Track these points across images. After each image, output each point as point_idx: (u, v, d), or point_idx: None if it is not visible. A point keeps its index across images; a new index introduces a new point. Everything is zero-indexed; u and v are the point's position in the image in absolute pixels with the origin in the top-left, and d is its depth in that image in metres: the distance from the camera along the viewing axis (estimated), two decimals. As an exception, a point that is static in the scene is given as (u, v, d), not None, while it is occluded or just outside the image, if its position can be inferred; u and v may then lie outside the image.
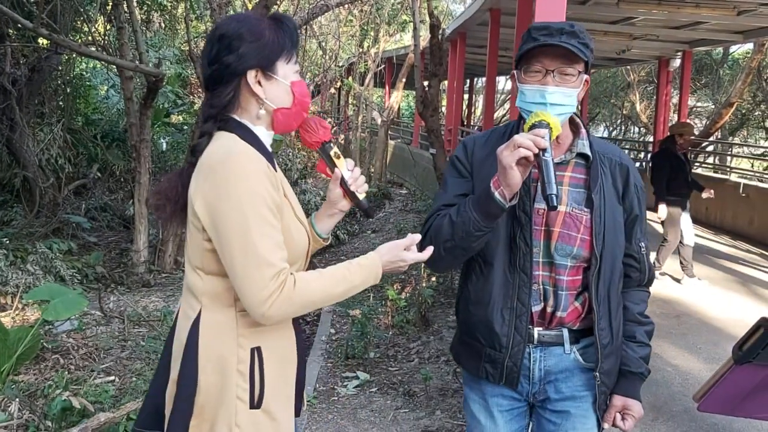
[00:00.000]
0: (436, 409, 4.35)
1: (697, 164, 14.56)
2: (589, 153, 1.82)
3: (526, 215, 1.77)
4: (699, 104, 23.78)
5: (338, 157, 1.69)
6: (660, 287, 7.10)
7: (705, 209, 11.63)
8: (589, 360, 1.85)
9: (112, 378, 4.36)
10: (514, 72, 1.82)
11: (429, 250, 1.69)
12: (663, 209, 6.74)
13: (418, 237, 1.68)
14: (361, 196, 1.71)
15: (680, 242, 6.97)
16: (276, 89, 1.57)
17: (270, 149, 1.62)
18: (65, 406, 3.54)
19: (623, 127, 28.09)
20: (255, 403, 1.53)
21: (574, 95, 1.73)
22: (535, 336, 1.82)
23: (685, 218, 6.92)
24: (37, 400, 3.81)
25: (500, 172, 1.62)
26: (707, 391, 1.10)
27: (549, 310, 1.81)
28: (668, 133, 7.58)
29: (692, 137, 7.62)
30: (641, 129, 24.29)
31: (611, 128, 29.11)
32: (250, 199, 1.44)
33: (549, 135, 1.63)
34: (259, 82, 1.56)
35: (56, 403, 3.54)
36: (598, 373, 1.81)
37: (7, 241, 7.37)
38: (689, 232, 6.97)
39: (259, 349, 1.55)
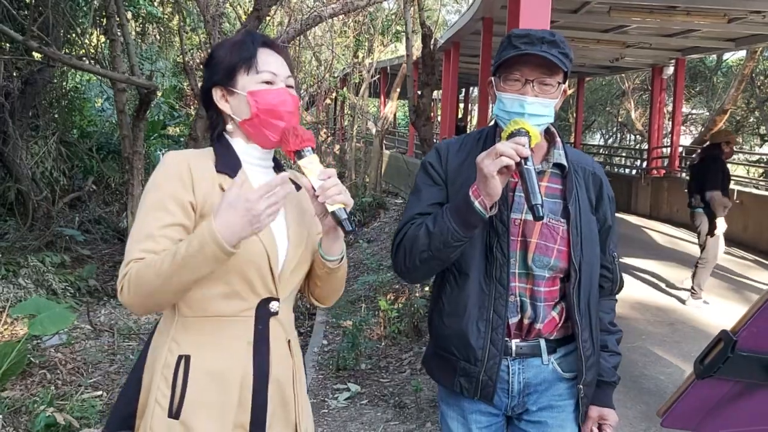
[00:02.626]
0: (426, 421, 4.31)
1: (692, 171, 14.56)
2: (565, 163, 1.80)
3: (504, 225, 1.73)
4: (694, 111, 23.87)
5: (305, 167, 1.55)
6: (654, 295, 7.08)
7: (692, 214, 11.64)
8: (566, 369, 1.83)
9: (100, 393, 4.33)
10: (492, 79, 1.78)
11: (281, 177, 1.42)
12: (722, 223, 6.28)
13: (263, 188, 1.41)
14: (334, 208, 1.50)
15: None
16: (239, 103, 1.59)
17: (245, 159, 1.62)
18: (49, 422, 3.50)
19: (619, 135, 28.16)
20: (173, 412, 1.50)
21: (552, 106, 1.72)
22: (513, 348, 1.79)
23: None
24: (21, 416, 3.78)
25: (480, 181, 1.59)
26: (670, 407, 1.08)
27: (526, 321, 1.78)
28: (709, 141, 7.14)
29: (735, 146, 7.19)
30: (637, 136, 24.34)
31: (607, 136, 29.18)
32: (148, 195, 1.52)
33: (529, 143, 1.60)
34: (225, 99, 1.61)
35: (40, 419, 3.51)
36: (581, 386, 1.79)
37: (0, 255, 7.35)
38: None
39: (187, 357, 1.52)
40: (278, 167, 1.72)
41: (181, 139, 13.43)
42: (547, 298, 1.78)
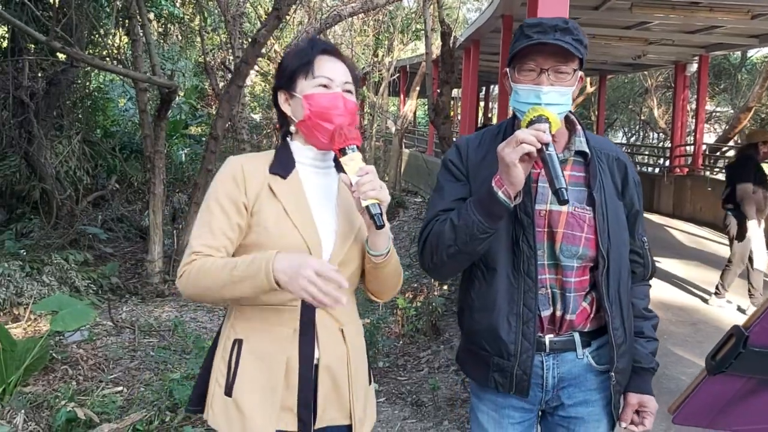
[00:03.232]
0: (443, 419, 4.30)
1: (716, 169, 14.38)
2: (587, 150, 1.78)
3: (528, 217, 1.72)
4: (718, 109, 23.54)
5: (346, 164, 1.62)
6: (676, 295, 7.00)
7: (724, 216, 11.46)
8: (601, 362, 1.81)
9: (120, 388, 4.37)
10: (507, 70, 1.76)
11: (338, 292, 1.44)
12: (754, 226, 5.99)
13: (333, 267, 1.48)
14: (367, 203, 1.57)
15: (750, 265, 6.26)
16: (296, 105, 1.72)
17: (299, 160, 1.74)
18: (70, 417, 3.55)
19: (642, 133, 27.86)
20: (227, 391, 1.67)
21: (569, 94, 1.69)
22: (547, 344, 1.77)
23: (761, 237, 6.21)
24: (43, 411, 3.83)
25: (502, 170, 1.57)
26: (681, 403, 1.06)
27: (558, 313, 1.76)
28: (746, 141, 6.88)
29: None
30: (660, 134, 24.06)
31: (629, 134, 28.88)
32: (208, 194, 1.70)
33: (549, 129, 1.59)
34: (288, 102, 1.75)
35: (61, 414, 3.55)
36: (613, 373, 1.77)
37: (24, 253, 7.47)
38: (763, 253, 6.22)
39: (240, 341, 1.68)
40: (340, 168, 1.77)
41: (203, 138, 13.55)
42: (577, 288, 1.76)
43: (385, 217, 1.61)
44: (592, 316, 1.79)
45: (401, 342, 6.00)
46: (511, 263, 1.74)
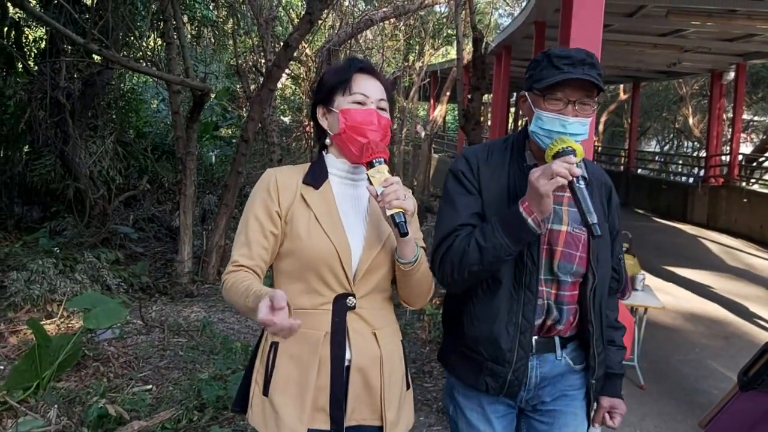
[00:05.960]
0: (469, 426, 4.28)
1: (753, 180, 14.11)
2: (587, 175, 1.85)
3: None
4: (756, 118, 23.09)
5: (373, 176, 1.69)
6: (708, 307, 6.88)
7: (760, 227, 11.26)
8: (577, 362, 1.95)
9: (150, 386, 4.42)
10: (527, 94, 1.85)
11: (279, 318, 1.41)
12: None
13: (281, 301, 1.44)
14: (391, 212, 1.64)
15: None
16: (333, 120, 1.82)
17: (332, 172, 1.84)
18: (101, 413, 3.61)
19: (676, 142, 27.45)
20: (264, 390, 1.76)
21: (588, 124, 1.78)
22: (534, 345, 1.88)
23: None
24: (75, 406, 3.89)
25: (533, 200, 1.66)
26: (713, 418, 1.04)
27: (549, 323, 1.88)
28: None
29: None
30: (694, 143, 23.69)
31: (663, 143, 28.46)
32: (247, 205, 1.82)
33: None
34: (325, 116, 1.85)
35: (93, 410, 3.62)
36: (594, 381, 1.93)
37: (58, 250, 7.60)
38: None
39: (276, 344, 1.76)
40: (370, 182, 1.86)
41: (233, 140, 13.68)
42: (570, 302, 1.88)
43: (409, 226, 1.67)
44: (574, 324, 1.92)
45: (427, 348, 5.97)
46: (513, 276, 1.84)
